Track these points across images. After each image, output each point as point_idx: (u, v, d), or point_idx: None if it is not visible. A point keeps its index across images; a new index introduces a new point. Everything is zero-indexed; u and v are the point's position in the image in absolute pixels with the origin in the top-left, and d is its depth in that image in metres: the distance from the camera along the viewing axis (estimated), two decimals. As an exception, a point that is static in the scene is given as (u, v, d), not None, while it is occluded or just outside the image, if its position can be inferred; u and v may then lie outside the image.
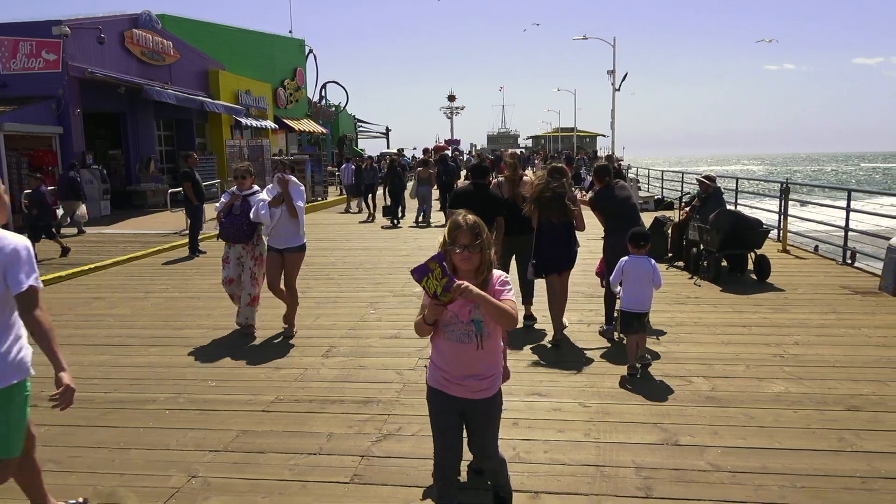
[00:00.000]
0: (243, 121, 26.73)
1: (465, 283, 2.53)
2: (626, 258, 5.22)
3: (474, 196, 6.26)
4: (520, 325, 6.40)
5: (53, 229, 12.05)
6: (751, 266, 9.00)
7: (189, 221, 12.72)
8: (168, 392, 5.03)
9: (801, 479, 3.48)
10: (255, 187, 6.71)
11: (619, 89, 35.31)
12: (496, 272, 2.78)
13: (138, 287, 9.35)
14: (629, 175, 26.00)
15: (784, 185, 11.40)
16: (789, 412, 4.36)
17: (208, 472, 3.71)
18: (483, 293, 2.58)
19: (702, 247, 9.22)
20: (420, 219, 16.78)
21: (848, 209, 10.04)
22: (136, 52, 20.82)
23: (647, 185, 26.41)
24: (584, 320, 6.75)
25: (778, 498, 3.30)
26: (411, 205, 17.81)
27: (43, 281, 9.71)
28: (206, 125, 25.98)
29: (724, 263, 9.19)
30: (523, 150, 63.60)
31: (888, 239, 8.27)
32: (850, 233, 10.02)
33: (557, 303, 6.09)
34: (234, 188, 6.66)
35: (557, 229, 5.96)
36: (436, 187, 18.08)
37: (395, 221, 16.67)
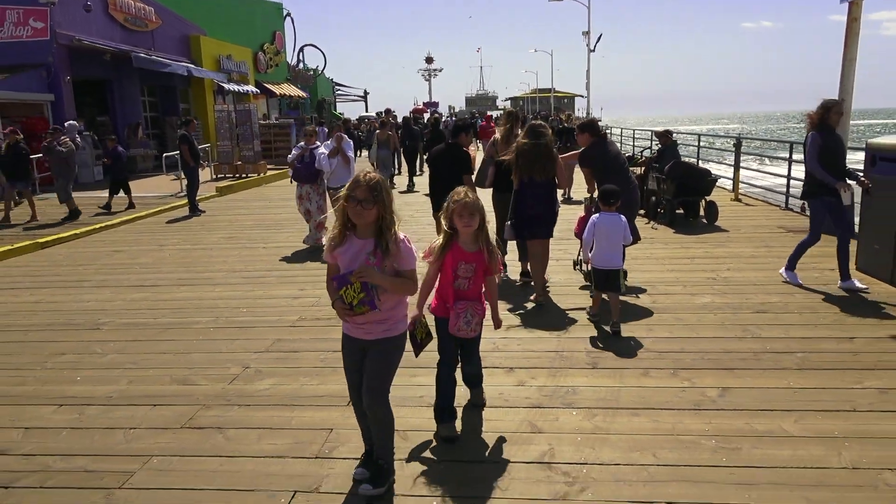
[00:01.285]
0: (226, 86, 27.15)
1: (368, 268, 2.80)
2: (597, 216, 5.30)
3: (444, 155, 6.61)
4: (518, 281, 6.76)
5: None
6: (703, 213, 10.16)
7: (187, 183, 13.53)
8: (207, 317, 6.05)
9: (708, 355, 4.65)
10: (318, 142, 9.13)
11: (594, 50, 36.12)
12: (401, 235, 2.94)
13: (151, 241, 10.26)
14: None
15: (737, 141, 12.55)
16: (710, 315, 5.54)
17: (258, 364, 4.78)
18: (383, 278, 2.84)
19: (661, 196, 10.36)
20: None
21: (790, 160, 11.22)
22: (119, 19, 21.15)
23: (619, 144, 27.50)
24: (551, 258, 7.85)
25: (689, 366, 4.46)
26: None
27: (60, 238, 10.75)
28: (190, 91, 26.38)
29: (680, 211, 10.35)
30: (502, 111, 64.04)
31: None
32: (791, 181, 11.22)
33: (538, 265, 6.06)
34: (303, 143, 9.09)
35: (539, 187, 5.84)
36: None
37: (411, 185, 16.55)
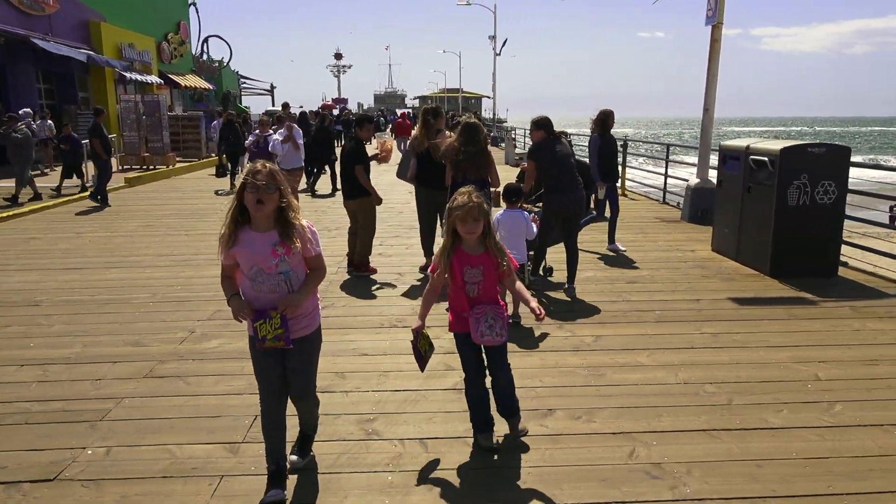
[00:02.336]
0: (128, 75, 26.33)
1: (289, 301, 2.78)
2: (500, 212, 5.53)
3: (345, 148, 7.10)
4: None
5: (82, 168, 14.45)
6: (593, 205, 11.43)
7: (97, 174, 13.42)
8: (143, 294, 6.49)
9: (588, 313, 5.68)
10: (271, 131, 11.27)
11: (499, 54, 37.68)
12: (304, 222, 2.85)
13: (66, 229, 10.30)
14: (509, 134, 28.53)
15: (623, 142, 14.03)
16: (592, 285, 6.63)
17: (203, 329, 5.35)
18: (303, 295, 2.84)
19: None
20: None
21: (667, 160, 12.78)
22: (14, 2, 20.16)
23: (523, 143, 29.09)
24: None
25: (572, 321, 5.47)
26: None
27: None
28: (89, 79, 25.41)
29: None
30: (411, 109, 64.98)
31: (686, 181, 10.96)
32: (668, 179, 12.80)
33: None
34: (258, 131, 11.71)
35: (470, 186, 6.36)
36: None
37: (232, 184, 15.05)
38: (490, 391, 3.43)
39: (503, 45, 38.01)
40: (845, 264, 7.36)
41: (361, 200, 7.00)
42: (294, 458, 3.20)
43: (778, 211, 6.83)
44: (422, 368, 3.40)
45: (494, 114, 47.30)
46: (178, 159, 20.98)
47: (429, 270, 3.29)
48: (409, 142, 7.27)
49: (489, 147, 6.17)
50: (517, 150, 23.30)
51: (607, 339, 5.07)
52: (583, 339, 5.06)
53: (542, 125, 6.26)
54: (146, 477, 3.16)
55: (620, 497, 2.99)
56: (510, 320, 4.32)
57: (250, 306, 2.84)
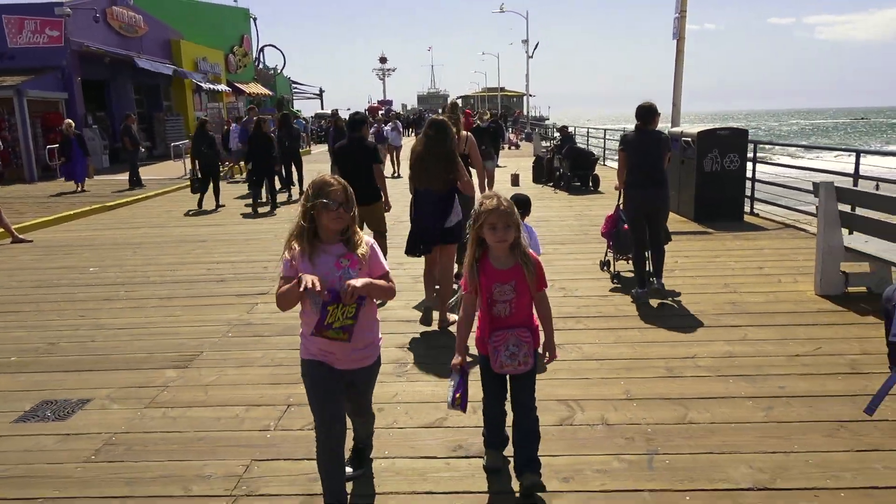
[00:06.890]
0: (203, 85, 30.36)
1: (355, 284, 2.52)
2: None
3: (350, 149, 6.30)
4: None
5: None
6: (591, 182, 14.45)
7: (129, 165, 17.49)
8: (268, 236, 9.84)
9: (561, 241, 8.78)
10: (384, 126, 14.93)
11: (532, 56, 40.57)
12: (365, 237, 2.72)
13: (186, 206, 13.86)
14: (537, 129, 31.55)
15: (623, 134, 16.96)
16: (569, 232, 9.70)
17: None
18: (370, 281, 2.61)
19: (562, 171, 14.62)
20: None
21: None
22: (116, 27, 24.27)
23: (551, 138, 32.08)
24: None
25: (556, 238, 8.58)
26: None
27: (118, 203, 14.94)
28: (171, 90, 29.51)
29: (578, 183, 14.61)
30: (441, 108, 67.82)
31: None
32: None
33: (441, 286, 5.39)
34: (375, 125, 14.73)
35: (431, 197, 5.24)
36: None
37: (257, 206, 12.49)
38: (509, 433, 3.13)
39: (535, 48, 40.95)
40: (756, 214, 10.24)
41: (375, 206, 6.31)
42: (349, 469, 3.08)
43: (698, 175, 9.77)
44: (465, 407, 3.00)
45: (528, 111, 50.36)
46: (251, 156, 24.79)
47: (461, 286, 3.11)
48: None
49: (457, 146, 5.52)
50: (543, 144, 26.34)
51: (564, 249, 8.19)
52: (546, 250, 8.17)
53: (636, 114, 6.02)
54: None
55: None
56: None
57: (325, 285, 2.55)
